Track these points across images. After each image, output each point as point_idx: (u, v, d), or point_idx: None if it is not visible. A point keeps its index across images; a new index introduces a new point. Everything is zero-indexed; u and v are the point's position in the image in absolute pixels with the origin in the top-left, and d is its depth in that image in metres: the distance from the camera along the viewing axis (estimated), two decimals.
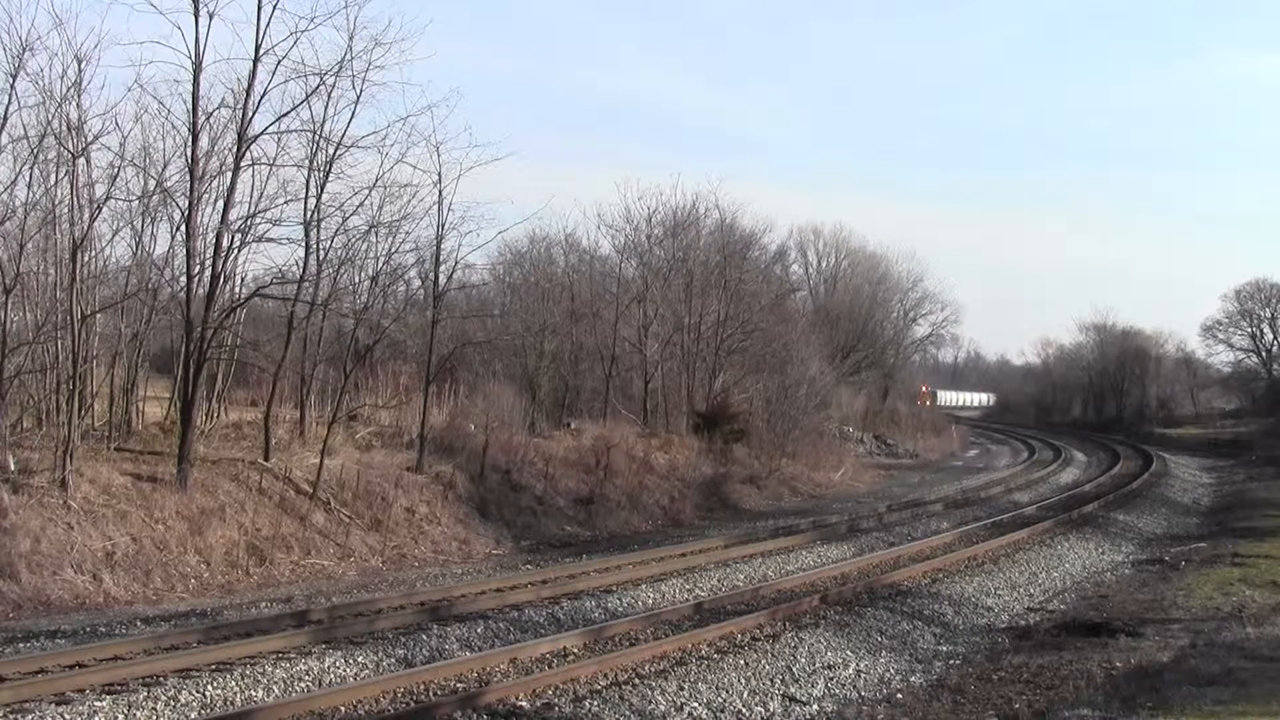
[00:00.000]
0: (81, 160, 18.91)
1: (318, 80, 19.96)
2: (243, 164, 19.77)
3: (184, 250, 19.90)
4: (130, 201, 21.26)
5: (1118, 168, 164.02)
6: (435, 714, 10.00)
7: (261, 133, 19.71)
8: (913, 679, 12.85)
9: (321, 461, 20.40)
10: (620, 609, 15.17)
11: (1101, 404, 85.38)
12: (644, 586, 16.60)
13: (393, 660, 11.96)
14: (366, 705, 10.32)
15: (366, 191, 22.32)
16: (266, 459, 20.29)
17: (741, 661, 12.37)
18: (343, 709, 10.13)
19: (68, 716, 9.51)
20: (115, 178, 19.87)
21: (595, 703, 10.58)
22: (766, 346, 40.11)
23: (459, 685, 11.08)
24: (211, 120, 19.69)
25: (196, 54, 18.31)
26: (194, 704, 10.14)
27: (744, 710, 11.16)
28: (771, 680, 12.04)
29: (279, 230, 20.84)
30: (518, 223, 55.89)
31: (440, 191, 23.85)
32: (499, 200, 55.72)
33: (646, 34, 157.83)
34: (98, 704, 9.77)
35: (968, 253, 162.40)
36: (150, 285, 21.80)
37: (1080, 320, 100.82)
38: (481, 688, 10.83)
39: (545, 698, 10.61)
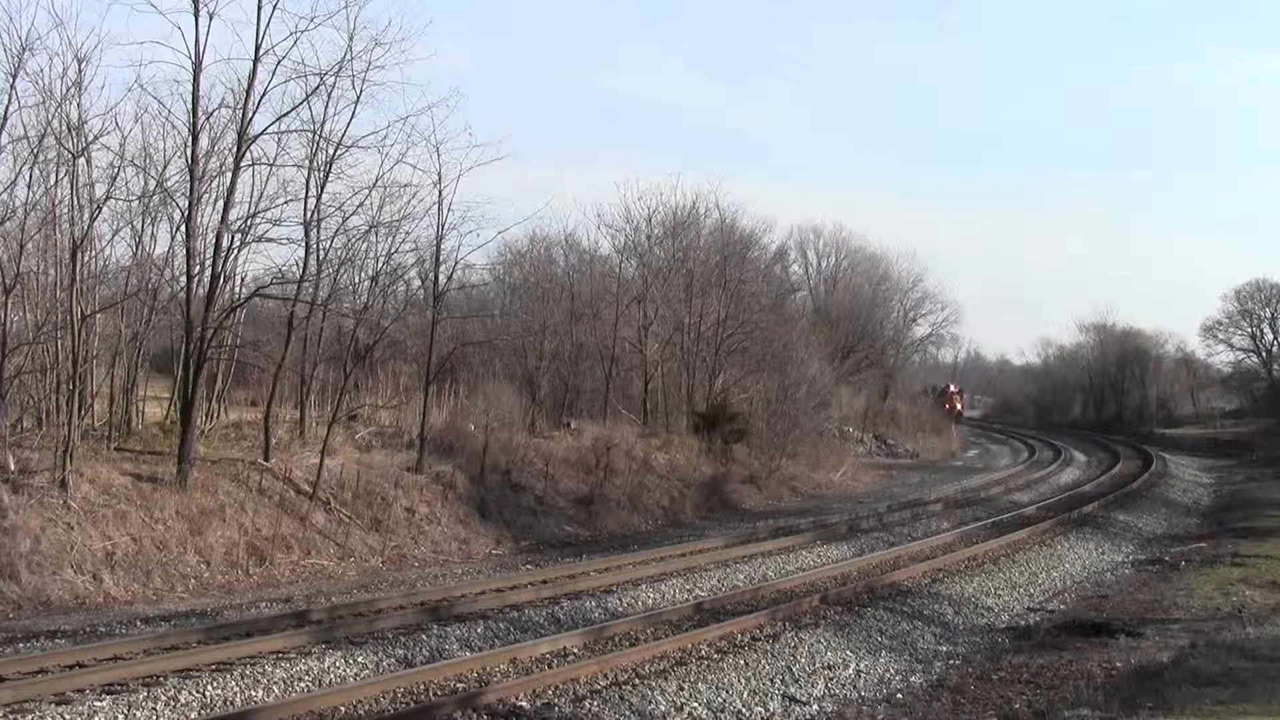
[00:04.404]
0: (81, 160, 18.92)
1: (318, 80, 20.00)
2: (243, 164, 19.80)
3: (184, 250, 19.92)
4: (130, 201, 21.30)
5: (1118, 168, 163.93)
6: (435, 714, 10.00)
7: (261, 133, 19.75)
8: (913, 679, 12.85)
9: (321, 461, 20.40)
10: (620, 609, 15.17)
11: (1101, 404, 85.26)
12: (644, 586, 16.60)
13: (393, 660, 11.96)
14: (366, 705, 10.32)
15: (366, 191, 22.35)
16: (266, 459, 20.29)
17: (741, 661, 12.37)
18: (343, 709, 10.13)
19: (68, 716, 9.51)
20: (115, 178, 19.93)
21: (595, 703, 10.58)
22: (766, 347, 40.09)
23: (459, 685, 11.08)
24: (211, 120, 19.74)
25: (196, 54, 18.34)
26: (194, 704, 10.14)
27: (744, 710, 11.16)
28: (771, 680, 12.04)
29: (279, 230, 20.84)
30: (518, 223, 55.70)
31: (440, 191, 23.89)
32: (499, 200, 55.66)
33: (646, 34, 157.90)
34: (98, 704, 9.77)
35: (968, 253, 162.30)
36: (150, 285, 21.80)
37: (1080, 320, 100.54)
38: (481, 688, 10.82)
39: (545, 698, 10.61)
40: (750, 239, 44.45)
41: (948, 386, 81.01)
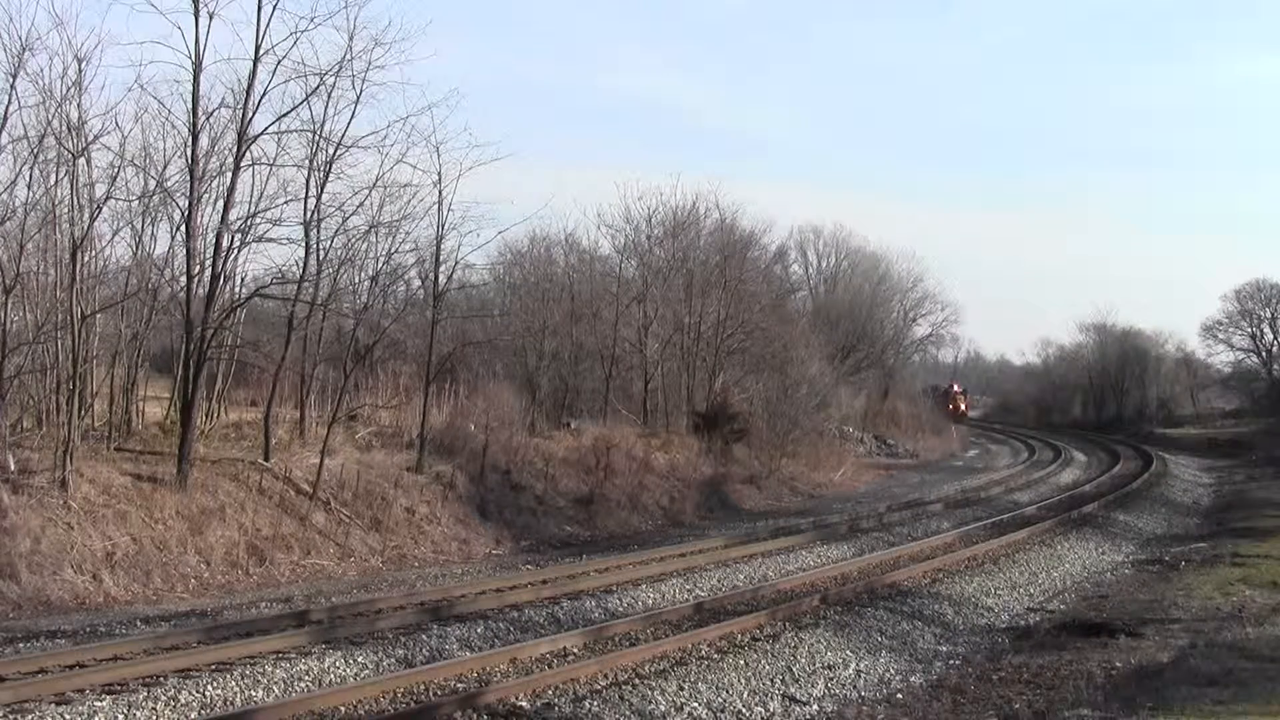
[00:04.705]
0: (81, 160, 18.93)
1: (318, 80, 20.01)
2: (243, 164, 19.80)
3: (184, 250, 19.93)
4: (130, 201, 21.31)
5: (1118, 168, 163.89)
6: (435, 714, 9.99)
7: (261, 133, 19.76)
8: (913, 679, 12.85)
9: (321, 461, 20.40)
10: (620, 609, 15.17)
11: (1101, 404, 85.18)
12: (644, 586, 16.60)
13: (393, 660, 11.96)
14: (366, 705, 10.32)
15: (366, 191, 22.37)
16: (266, 459, 20.29)
17: (741, 661, 12.37)
18: (343, 709, 10.13)
19: (68, 716, 9.51)
20: (115, 178, 19.92)
21: (595, 703, 10.57)
22: (766, 346, 40.10)
23: (459, 685, 11.08)
24: (211, 120, 19.75)
25: (196, 54, 18.35)
26: (194, 704, 10.14)
27: (744, 710, 11.16)
28: (771, 680, 12.04)
29: (279, 230, 20.83)
30: (518, 223, 55.78)
31: (440, 191, 23.89)
32: (499, 200, 55.53)
33: (647, 34, 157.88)
34: (98, 704, 9.76)
35: (968, 253, 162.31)
36: (150, 285, 21.80)
37: (1080, 320, 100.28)
38: (481, 688, 10.82)
39: (545, 698, 10.60)
40: (750, 239, 44.45)
41: (951, 386, 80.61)
